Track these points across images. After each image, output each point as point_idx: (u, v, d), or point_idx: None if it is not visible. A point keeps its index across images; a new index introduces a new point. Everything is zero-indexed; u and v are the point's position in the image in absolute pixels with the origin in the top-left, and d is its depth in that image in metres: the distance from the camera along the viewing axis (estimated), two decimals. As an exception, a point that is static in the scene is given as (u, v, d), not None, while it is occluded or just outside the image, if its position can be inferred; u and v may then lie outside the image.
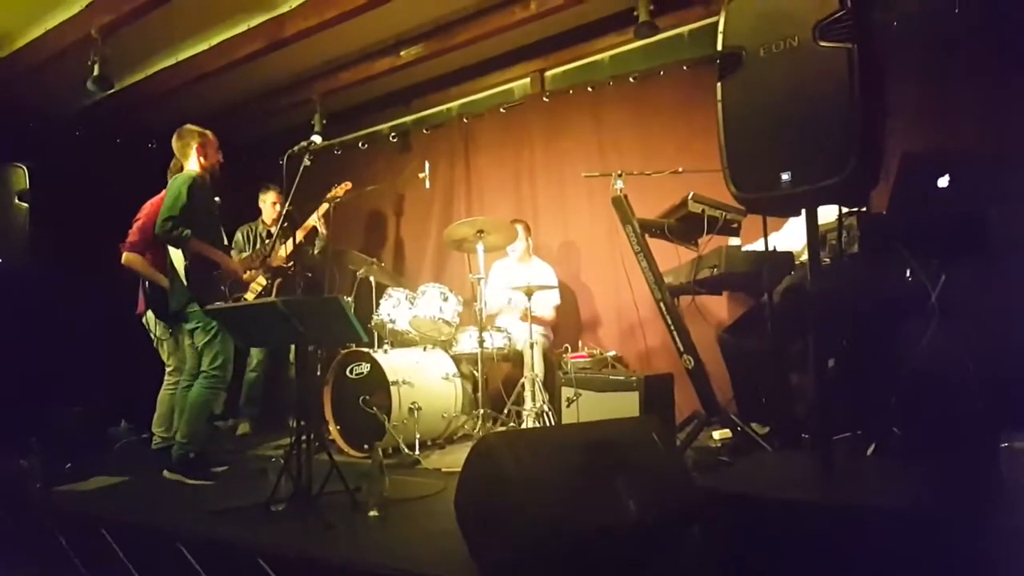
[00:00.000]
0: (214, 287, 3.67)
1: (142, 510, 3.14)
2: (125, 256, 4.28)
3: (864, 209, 2.77)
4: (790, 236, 3.47)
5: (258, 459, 4.20)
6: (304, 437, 2.96)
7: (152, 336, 4.33)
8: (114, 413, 4.97)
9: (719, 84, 2.13)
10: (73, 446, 3.97)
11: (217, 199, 3.90)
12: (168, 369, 4.26)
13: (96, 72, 4.24)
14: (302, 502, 2.89)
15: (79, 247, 4.43)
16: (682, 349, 3.42)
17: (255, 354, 5.24)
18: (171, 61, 4.93)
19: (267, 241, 5.09)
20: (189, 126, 3.87)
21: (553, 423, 4.04)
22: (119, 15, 4.07)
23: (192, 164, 3.80)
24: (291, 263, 4.41)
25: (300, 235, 4.96)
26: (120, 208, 4.48)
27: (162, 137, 5.96)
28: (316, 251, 5.25)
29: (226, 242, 3.97)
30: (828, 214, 2.76)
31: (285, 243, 4.56)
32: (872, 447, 2.56)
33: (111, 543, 2.88)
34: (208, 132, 3.91)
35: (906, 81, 3.71)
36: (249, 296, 4.63)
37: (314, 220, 5.18)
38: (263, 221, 5.39)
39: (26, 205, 4.00)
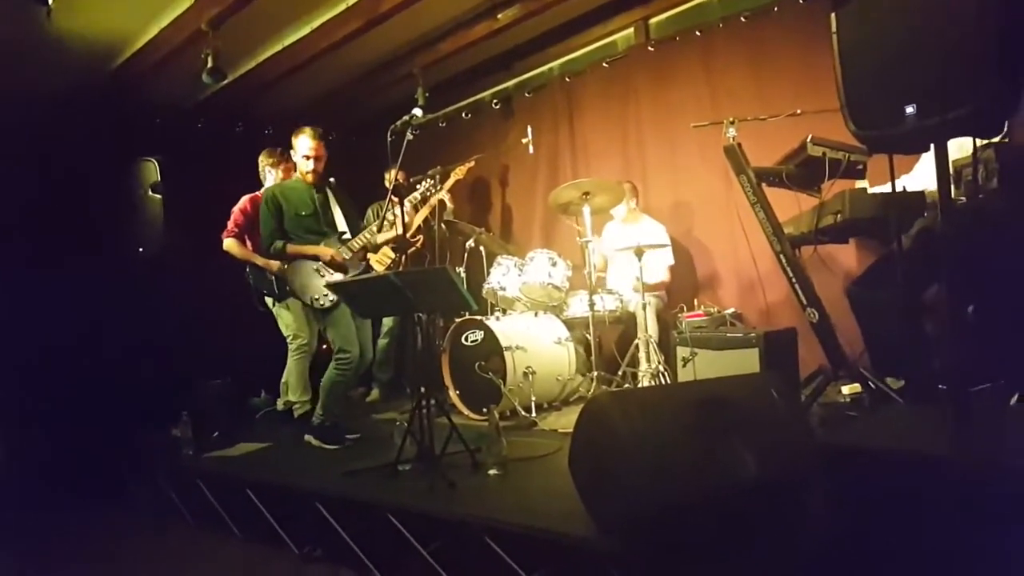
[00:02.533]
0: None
1: (283, 473, 3.39)
2: (225, 243, 4.70)
3: (1004, 139, 2.49)
4: (921, 175, 3.19)
5: (385, 424, 4.41)
6: (425, 402, 3.08)
7: (268, 310, 4.69)
8: (254, 385, 5.38)
9: (833, 15, 1.97)
10: (219, 416, 4.32)
11: (331, 179, 4.09)
12: (288, 338, 4.62)
13: (210, 64, 4.47)
14: (426, 462, 3.01)
15: (208, 233, 4.77)
16: (805, 302, 3.25)
17: (386, 321, 5.47)
18: (278, 47, 5.11)
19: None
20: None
21: (669, 384, 3.98)
22: (225, 6, 4.26)
23: (268, 181, 4.55)
24: (417, 236, 4.58)
25: (426, 211, 5.12)
26: (243, 193, 4.79)
27: (276, 123, 6.34)
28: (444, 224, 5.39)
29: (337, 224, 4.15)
30: (962, 147, 2.51)
31: (397, 216, 4.71)
32: (1015, 397, 2.34)
33: (256, 502, 3.13)
34: (277, 149, 4.63)
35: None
36: (379, 268, 4.86)
37: (442, 195, 5.34)
38: (392, 198, 5.55)
39: (159, 197, 4.33)
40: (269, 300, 4.68)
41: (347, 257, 3.91)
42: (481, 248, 4.94)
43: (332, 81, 5.76)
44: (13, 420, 4.32)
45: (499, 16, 4.86)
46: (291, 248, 3.88)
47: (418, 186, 4.36)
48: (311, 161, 3.91)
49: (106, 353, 4.70)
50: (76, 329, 4.63)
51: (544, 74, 5.98)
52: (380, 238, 4.00)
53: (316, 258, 3.89)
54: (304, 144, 3.90)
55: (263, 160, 4.86)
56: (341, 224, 4.04)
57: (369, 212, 5.49)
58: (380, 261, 4.95)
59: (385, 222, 3.97)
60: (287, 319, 4.66)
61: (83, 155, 4.92)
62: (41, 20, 4.14)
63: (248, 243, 4.73)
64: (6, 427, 4.30)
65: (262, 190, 4.43)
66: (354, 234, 3.98)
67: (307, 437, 3.92)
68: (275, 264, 4.52)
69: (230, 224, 4.74)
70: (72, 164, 4.88)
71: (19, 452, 4.22)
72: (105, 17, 4.47)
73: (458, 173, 5.30)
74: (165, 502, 3.64)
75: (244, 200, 4.79)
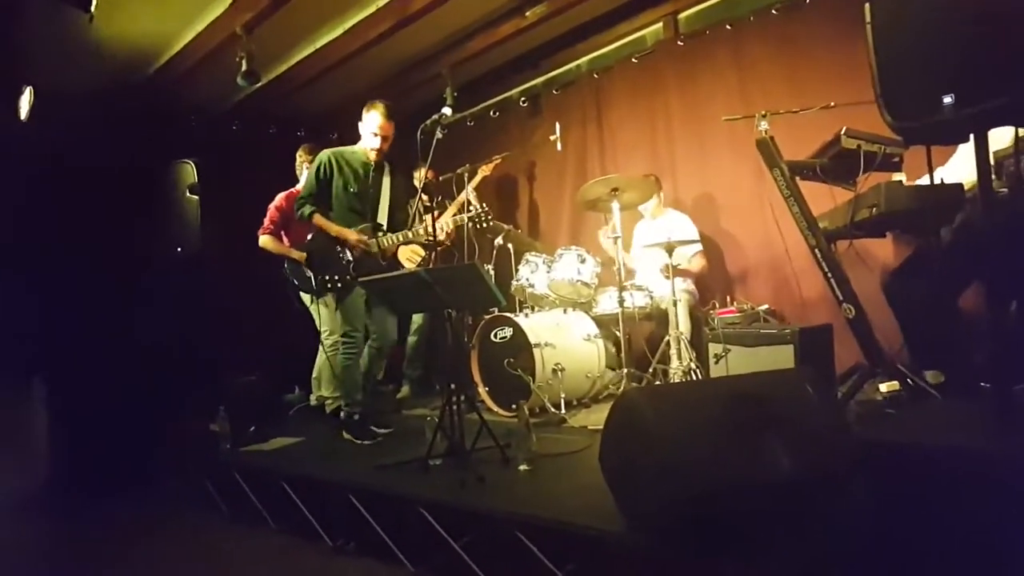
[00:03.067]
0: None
1: (317, 466, 3.44)
2: (261, 239, 4.77)
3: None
4: (960, 166, 3.11)
5: (416, 419, 4.45)
6: (455, 398, 3.10)
7: (304, 307, 4.73)
8: (288, 381, 5.46)
9: (867, 5, 1.93)
10: (255, 412, 4.39)
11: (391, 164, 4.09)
12: (324, 334, 4.64)
13: (244, 67, 4.55)
14: (457, 458, 3.04)
15: (243, 233, 4.86)
16: (841, 298, 3.19)
17: (415, 319, 5.50)
18: (310, 49, 5.19)
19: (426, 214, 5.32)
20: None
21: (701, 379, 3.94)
22: (259, 10, 4.34)
23: (303, 178, 4.70)
24: (449, 235, 4.55)
25: (454, 209, 5.14)
26: (276, 193, 4.87)
27: (308, 125, 6.42)
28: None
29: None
30: (1003, 137, 2.44)
31: (426, 215, 4.75)
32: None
33: (291, 495, 3.18)
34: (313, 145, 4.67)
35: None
36: (410, 266, 4.90)
37: (468, 194, 5.36)
38: (422, 197, 5.59)
39: (196, 198, 4.42)
40: (307, 297, 4.71)
41: (373, 251, 3.86)
42: (509, 245, 4.95)
43: (362, 82, 5.81)
44: (56, 416, 4.44)
45: (527, 14, 4.87)
46: (319, 219, 3.83)
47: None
48: (378, 139, 3.83)
49: (145, 350, 4.81)
50: (115, 327, 4.74)
51: (572, 71, 5.97)
52: (412, 240, 3.99)
53: (339, 239, 3.85)
54: (374, 120, 3.82)
55: (301, 155, 4.89)
56: (383, 214, 3.98)
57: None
58: (410, 259, 4.98)
59: (421, 227, 3.91)
60: (325, 315, 4.66)
61: (122, 157, 5.04)
62: (83, 26, 4.25)
63: (285, 239, 4.78)
64: (50, 423, 4.43)
65: (316, 160, 4.09)
66: (392, 230, 3.93)
67: (344, 433, 3.95)
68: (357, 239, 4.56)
69: (266, 221, 4.80)
70: (111, 166, 5.00)
71: (63, 445, 4.34)
72: (144, 23, 4.58)
73: (484, 170, 5.33)
74: (202, 494, 3.72)
75: (280, 197, 4.85)
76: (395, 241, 3.89)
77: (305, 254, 4.42)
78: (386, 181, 3.99)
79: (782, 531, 1.86)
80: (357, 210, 3.90)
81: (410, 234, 3.89)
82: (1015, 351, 1.94)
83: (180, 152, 4.59)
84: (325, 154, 3.92)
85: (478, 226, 3.90)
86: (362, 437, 3.86)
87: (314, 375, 4.91)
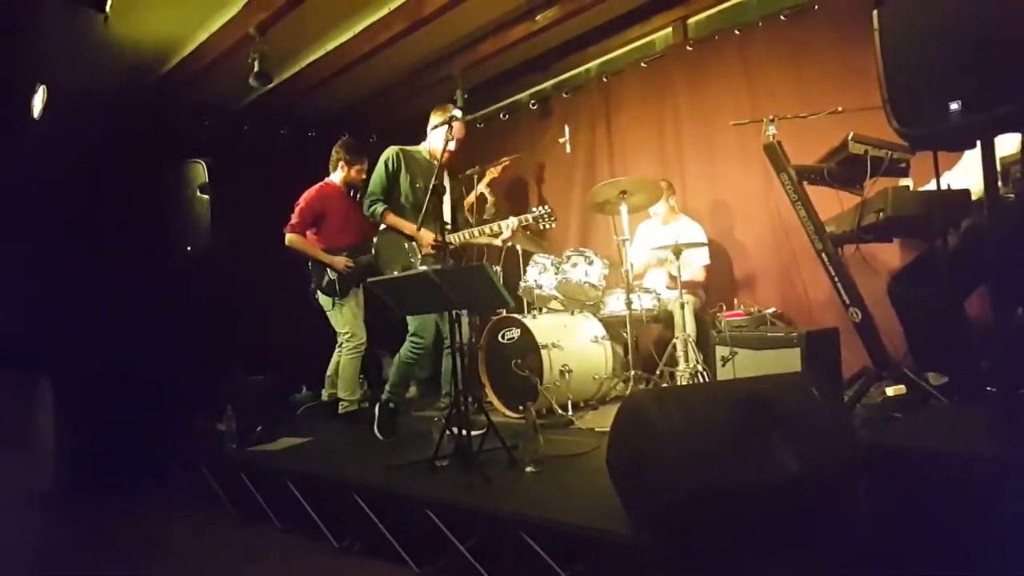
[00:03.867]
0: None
1: (323, 467, 3.45)
2: (287, 237, 4.66)
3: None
4: (966, 172, 3.12)
5: (423, 420, 4.46)
6: (462, 399, 3.11)
7: (322, 308, 4.71)
8: (296, 380, 5.49)
9: (875, 12, 1.95)
10: (262, 411, 4.42)
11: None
12: (344, 335, 4.63)
13: (256, 68, 4.56)
14: (464, 459, 3.05)
15: (253, 232, 4.88)
16: (848, 302, 3.20)
17: None
18: (321, 51, 5.21)
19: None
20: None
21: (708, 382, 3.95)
22: (272, 11, 4.37)
23: (336, 176, 4.74)
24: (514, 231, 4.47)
25: (466, 205, 5.17)
26: (287, 194, 4.89)
27: (320, 126, 6.46)
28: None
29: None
30: (1009, 144, 2.45)
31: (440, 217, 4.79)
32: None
33: (297, 495, 3.20)
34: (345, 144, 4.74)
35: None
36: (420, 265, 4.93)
37: (482, 188, 5.40)
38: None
39: (207, 197, 4.45)
40: (328, 301, 4.63)
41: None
42: (517, 246, 4.97)
43: (373, 83, 5.85)
44: (63, 415, 4.48)
45: (538, 18, 4.89)
46: (391, 218, 3.82)
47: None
48: (454, 142, 3.82)
49: (154, 349, 4.85)
50: (126, 325, 4.78)
51: (582, 74, 5.99)
52: (478, 239, 3.97)
53: (411, 238, 3.83)
54: (459, 129, 3.85)
55: (338, 152, 4.79)
56: (448, 213, 3.98)
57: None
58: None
59: (487, 226, 3.93)
60: (346, 316, 4.61)
61: (134, 156, 5.09)
62: (98, 26, 4.30)
63: (316, 238, 4.68)
64: (56, 422, 4.47)
65: (384, 156, 4.07)
66: (454, 228, 3.92)
67: (375, 428, 3.95)
68: (340, 261, 4.53)
69: (293, 218, 4.65)
70: (124, 164, 5.05)
71: (70, 445, 4.38)
72: (157, 23, 4.62)
73: (493, 172, 5.37)
74: (209, 494, 3.75)
75: (309, 192, 4.71)
76: (462, 240, 3.91)
77: (339, 258, 4.54)
78: (450, 183, 4.01)
79: (788, 533, 1.87)
80: (421, 207, 3.81)
81: (476, 232, 3.91)
82: (1020, 356, 1.95)
83: (191, 152, 4.62)
84: (392, 150, 3.93)
85: (543, 227, 3.93)
86: (384, 431, 3.88)
87: (329, 372, 4.94)
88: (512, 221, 3.89)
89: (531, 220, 3.90)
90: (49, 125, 4.38)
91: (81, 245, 4.83)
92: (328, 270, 4.59)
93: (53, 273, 4.65)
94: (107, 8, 4.12)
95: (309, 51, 5.28)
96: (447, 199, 3.98)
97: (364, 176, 4.67)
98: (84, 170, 4.86)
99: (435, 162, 3.87)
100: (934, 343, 3.12)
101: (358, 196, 4.75)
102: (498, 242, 4.03)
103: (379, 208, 3.83)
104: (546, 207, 3.90)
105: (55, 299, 4.63)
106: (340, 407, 4.71)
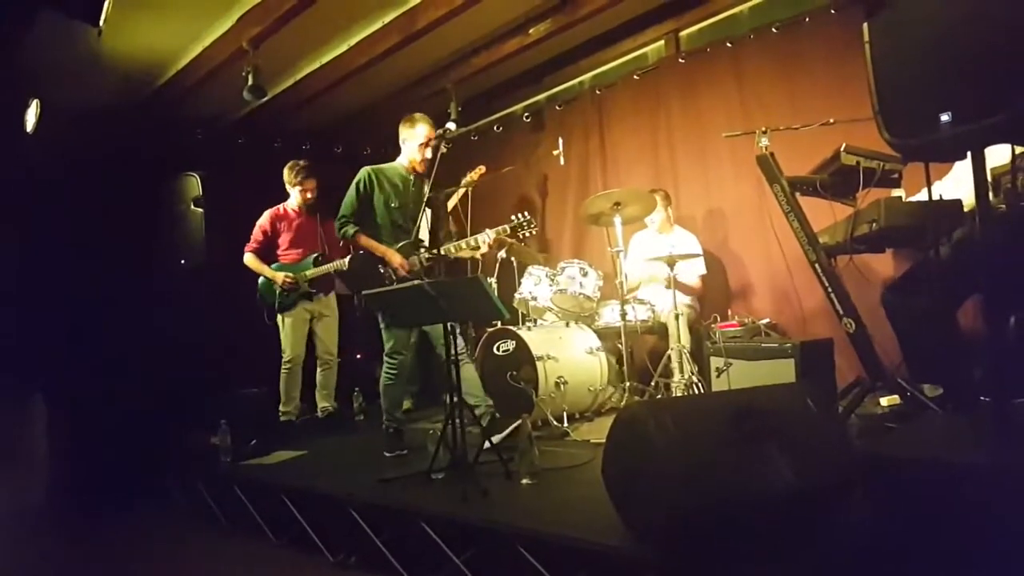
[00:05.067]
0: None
1: (318, 480, 3.42)
2: (245, 256, 4.83)
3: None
4: (957, 182, 3.14)
5: (418, 432, 4.45)
6: (458, 411, 3.10)
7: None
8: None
9: (866, 24, 1.97)
10: (256, 425, 4.39)
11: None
12: (285, 355, 4.79)
13: (250, 82, 4.59)
14: (459, 471, 3.03)
15: (246, 246, 4.89)
16: (841, 312, 3.22)
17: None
18: (315, 65, 5.25)
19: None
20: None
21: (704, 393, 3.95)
22: (265, 26, 4.39)
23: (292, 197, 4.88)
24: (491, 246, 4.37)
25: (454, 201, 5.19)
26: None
27: (314, 139, 6.46)
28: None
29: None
30: (1000, 155, 2.47)
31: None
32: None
33: (291, 509, 3.18)
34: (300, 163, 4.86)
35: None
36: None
37: (453, 202, 5.40)
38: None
39: (201, 210, 4.44)
40: (279, 315, 4.79)
41: (415, 268, 3.75)
42: (512, 258, 4.97)
43: (368, 97, 5.87)
44: (56, 429, 4.45)
45: (531, 31, 4.93)
46: (363, 239, 3.74)
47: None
48: (427, 149, 3.74)
49: (147, 362, 4.83)
50: (119, 338, 4.76)
51: (575, 87, 6.03)
52: (458, 253, 3.89)
53: (382, 260, 3.77)
54: (422, 132, 3.76)
55: (286, 174, 4.93)
56: (424, 230, 3.86)
57: None
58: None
59: (463, 240, 3.83)
60: (285, 330, 4.79)
61: (128, 170, 5.08)
62: (91, 39, 4.30)
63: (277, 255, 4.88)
64: (50, 437, 4.43)
65: (357, 177, 3.91)
66: (432, 245, 3.79)
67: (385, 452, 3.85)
68: (279, 277, 4.69)
69: (251, 239, 4.85)
70: (117, 178, 5.04)
71: (63, 459, 4.34)
72: (151, 37, 4.63)
73: (471, 177, 5.36)
74: (203, 508, 3.72)
75: (265, 216, 4.89)
76: (442, 254, 3.76)
77: (280, 274, 4.68)
78: (424, 198, 3.87)
79: (783, 543, 1.87)
80: (401, 225, 3.82)
81: (452, 249, 3.81)
82: (1013, 366, 1.96)
83: (185, 165, 4.62)
84: (364, 171, 3.84)
85: (523, 235, 3.80)
86: (390, 448, 3.82)
87: (317, 386, 4.96)
88: (489, 234, 3.77)
89: (508, 231, 3.77)
90: (42, 139, 4.36)
91: (74, 259, 4.81)
92: (273, 284, 4.77)
93: (46, 287, 4.62)
94: (101, 22, 4.12)
95: (303, 65, 5.30)
96: (425, 215, 3.88)
97: (312, 196, 4.86)
98: (77, 184, 4.85)
99: (412, 176, 3.86)
100: (928, 353, 3.13)
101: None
102: (478, 255, 3.97)
103: (349, 230, 3.76)
104: (524, 214, 3.77)
105: (48, 313, 4.60)
106: (281, 417, 4.80)
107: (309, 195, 4.86)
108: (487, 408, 3.76)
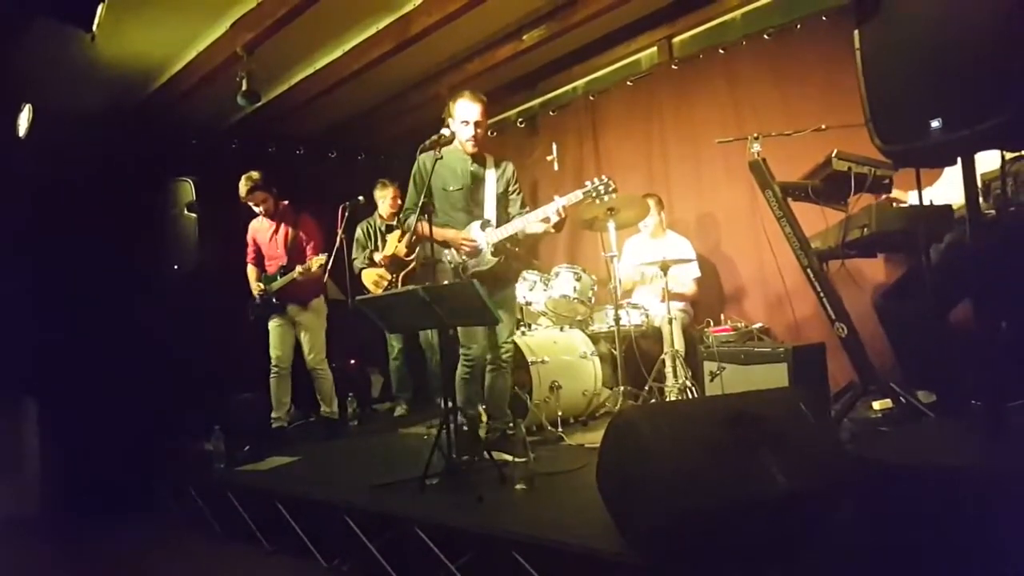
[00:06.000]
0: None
1: (312, 486, 3.42)
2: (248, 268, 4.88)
3: (1033, 151, 2.48)
4: (948, 187, 3.17)
5: (412, 438, 4.45)
6: (452, 416, 3.10)
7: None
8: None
9: (856, 31, 1.99)
10: (250, 431, 4.38)
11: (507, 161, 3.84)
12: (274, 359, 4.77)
13: (244, 87, 4.58)
14: (453, 476, 3.03)
15: (240, 251, 4.87)
16: (834, 317, 3.24)
17: (394, 344, 5.53)
18: (309, 70, 5.25)
19: (388, 235, 5.32)
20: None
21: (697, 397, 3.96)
22: (259, 31, 4.38)
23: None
24: (413, 256, 4.34)
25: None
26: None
27: (307, 144, 6.46)
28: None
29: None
30: (989, 161, 2.49)
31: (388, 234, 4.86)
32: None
33: (285, 515, 3.17)
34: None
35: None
36: (375, 290, 4.97)
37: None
38: (380, 216, 5.49)
39: (194, 216, 4.43)
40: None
41: (481, 247, 3.52)
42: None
43: (362, 102, 5.88)
44: (49, 437, 4.43)
45: (524, 37, 4.94)
46: (420, 228, 3.43)
47: None
48: (470, 127, 3.49)
49: (140, 368, 4.81)
50: (112, 344, 4.74)
51: (568, 93, 6.05)
52: (531, 231, 3.63)
53: (446, 244, 3.59)
54: (464, 108, 3.49)
55: (377, 190, 5.29)
56: (490, 209, 3.63)
57: (359, 231, 5.43)
58: (377, 283, 5.03)
59: (531, 213, 3.58)
60: (271, 336, 4.77)
61: (121, 175, 5.06)
62: (84, 45, 4.28)
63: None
64: (43, 444, 4.41)
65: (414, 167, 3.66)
66: (499, 222, 3.57)
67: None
68: (254, 287, 4.77)
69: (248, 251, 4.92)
70: (111, 183, 5.02)
71: (56, 467, 4.32)
72: (145, 43, 4.62)
73: None
74: (196, 514, 3.71)
75: (249, 228, 4.90)
76: (506, 235, 3.58)
77: (255, 285, 4.76)
78: (489, 175, 3.65)
79: (778, 548, 1.87)
80: (462, 209, 3.63)
81: (521, 224, 3.55)
82: (1005, 369, 1.98)
83: (179, 170, 4.60)
84: (420, 158, 3.62)
85: (599, 201, 3.63)
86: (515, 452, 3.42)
87: (317, 392, 4.96)
88: (559, 202, 3.44)
89: (582, 197, 3.48)
90: (35, 144, 4.35)
91: (67, 265, 4.79)
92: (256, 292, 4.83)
93: (39, 294, 4.60)
94: (94, 27, 4.11)
95: (297, 70, 5.30)
96: (491, 194, 3.64)
97: (265, 208, 4.75)
98: (71, 189, 4.84)
99: (469, 157, 3.62)
100: (920, 357, 3.15)
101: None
102: (551, 229, 3.62)
103: (409, 222, 3.56)
104: (604, 177, 3.51)
105: (41, 320, 4.58)
106: (273, 424, 4.76)
107: (259, 208, 4.73)
108: (502, 424, 3.62)
